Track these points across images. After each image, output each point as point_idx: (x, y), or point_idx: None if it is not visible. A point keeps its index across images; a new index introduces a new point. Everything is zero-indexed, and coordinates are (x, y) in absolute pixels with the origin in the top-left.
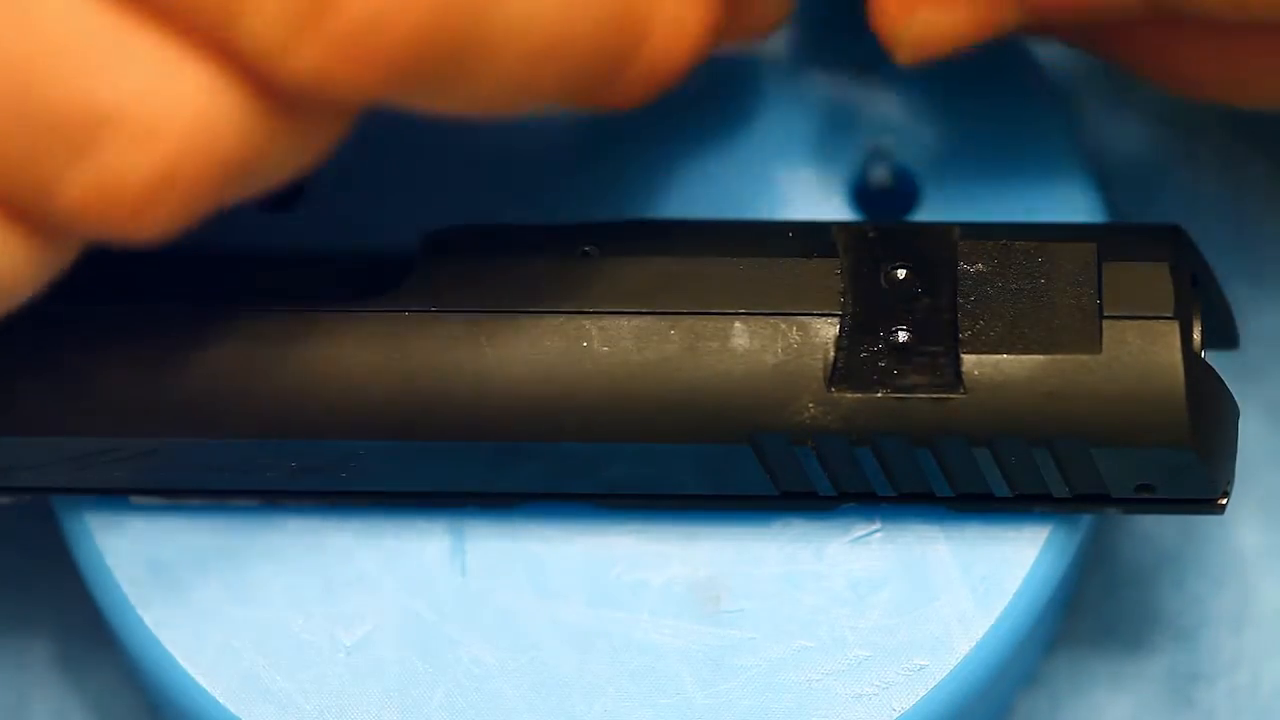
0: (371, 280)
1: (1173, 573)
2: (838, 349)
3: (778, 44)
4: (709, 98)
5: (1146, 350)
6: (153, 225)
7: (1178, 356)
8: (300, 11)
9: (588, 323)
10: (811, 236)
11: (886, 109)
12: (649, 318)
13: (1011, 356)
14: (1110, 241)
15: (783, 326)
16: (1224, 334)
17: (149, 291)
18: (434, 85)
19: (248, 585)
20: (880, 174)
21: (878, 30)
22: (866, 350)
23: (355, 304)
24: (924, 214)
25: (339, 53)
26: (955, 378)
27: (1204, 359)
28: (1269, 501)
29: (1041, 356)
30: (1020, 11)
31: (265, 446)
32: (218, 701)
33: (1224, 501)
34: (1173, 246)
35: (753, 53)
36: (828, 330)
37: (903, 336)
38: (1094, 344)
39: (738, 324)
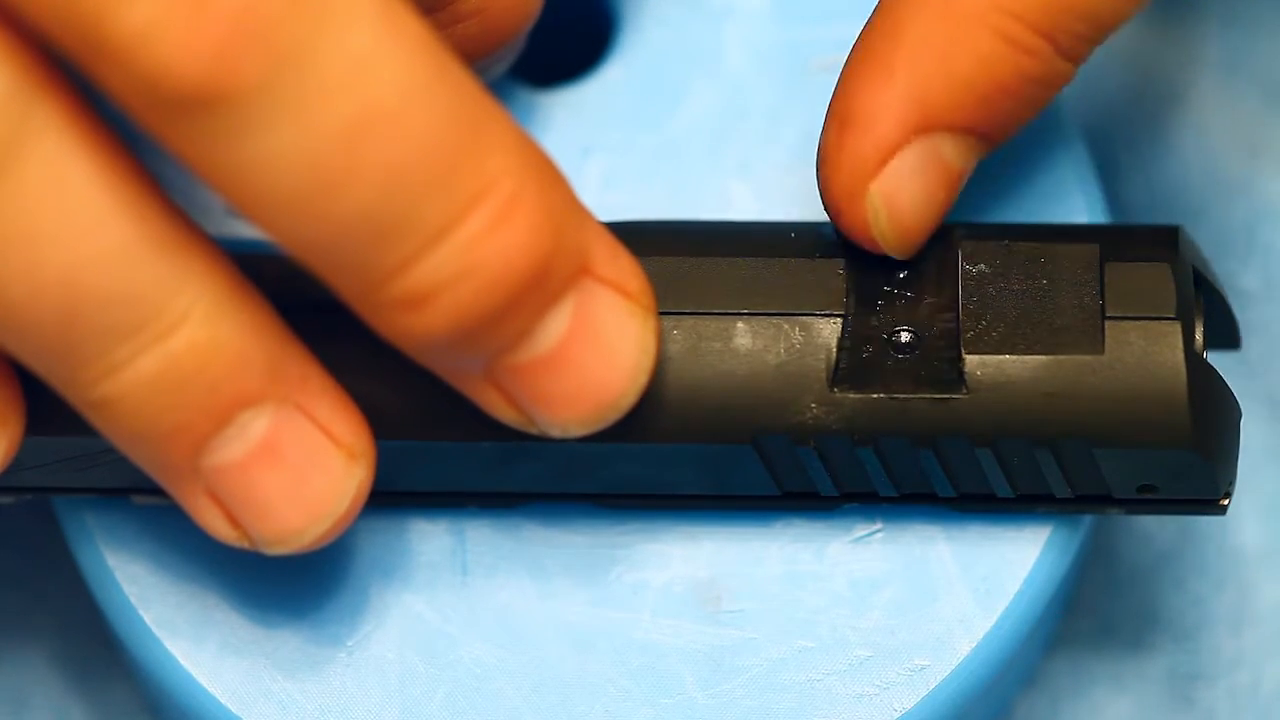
0: None
1: (1173, 573)
2: (840, 349)
3: (780, 43)
4: (710, 97)
5: (1149, 351)
6: None
7: (1180, 357)
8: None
9: None
10: (814, 237)
11: None
12: None
13: (1014, 357)
14: (1112, 242)
15: (785, 327)
16: (1225, 334)
17: None
18: None
19: (248, 585)
20: None
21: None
22: (869, 350)
23: None
24: None
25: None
26: (957, 378)
27: (1206, 359)
28: (1269, 501)
29: (1044, 357)
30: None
31: None
32: (218, 701)
33: (1226, 502)
34: (1174, 247)
35: (754, 52)
36: (830, 330)
37: (905, 337)
38: (1096, 345)
39: (740, 324)
